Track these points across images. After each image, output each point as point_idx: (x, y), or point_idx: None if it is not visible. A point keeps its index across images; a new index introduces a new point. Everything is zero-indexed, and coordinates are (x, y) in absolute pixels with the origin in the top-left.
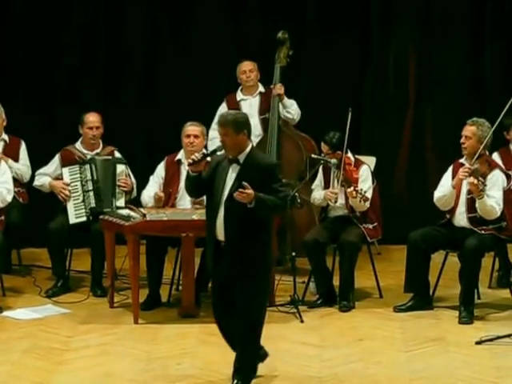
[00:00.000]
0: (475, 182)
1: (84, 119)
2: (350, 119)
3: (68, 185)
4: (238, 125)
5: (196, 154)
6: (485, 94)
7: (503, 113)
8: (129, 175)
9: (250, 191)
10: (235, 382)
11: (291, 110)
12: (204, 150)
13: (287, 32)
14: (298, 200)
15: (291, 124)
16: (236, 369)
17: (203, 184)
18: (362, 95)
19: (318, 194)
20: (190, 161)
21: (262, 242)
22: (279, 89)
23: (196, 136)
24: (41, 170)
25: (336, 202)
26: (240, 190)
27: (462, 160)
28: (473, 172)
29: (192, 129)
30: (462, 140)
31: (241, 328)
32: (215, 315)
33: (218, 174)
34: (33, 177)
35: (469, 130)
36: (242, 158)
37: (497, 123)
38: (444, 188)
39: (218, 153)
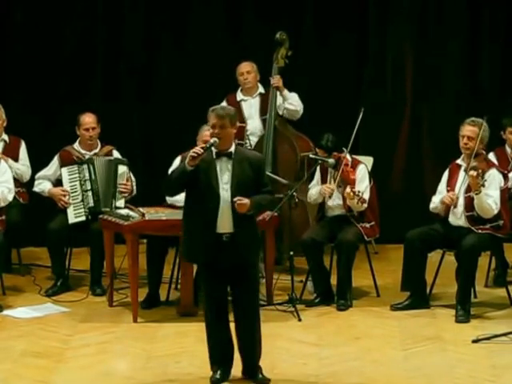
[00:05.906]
0: (475, 174)
1: (80, 121)
2: (360, 119)
3: (67, 191)
4: (233, 117)
5: (198, 148)
6: (481, 95)
7: None
8: (130, 177)
9: (246, 201)
10: (259, 376)
11: (293, 101)
12: (202, 145)
13: (285, 33)
14: (296, 200)
15: (293, 118)
16: (248, 356)
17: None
18: (360, 96)
19: (314, 190)
20: (194, 154)
21: (257, 230)
22: (277, 81)
23: None
24: (40, 173)
25: (331, 197)
26: (238, 200)
27: (458, 161)
28: (472, 168)
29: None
30: (464, 141)
31: (249, 313)
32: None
33: (203, 169)
34: (33, 179)
35: (472, 130)
36: (232, 151)
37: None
38: (437, 199)
39: (213, 148)
